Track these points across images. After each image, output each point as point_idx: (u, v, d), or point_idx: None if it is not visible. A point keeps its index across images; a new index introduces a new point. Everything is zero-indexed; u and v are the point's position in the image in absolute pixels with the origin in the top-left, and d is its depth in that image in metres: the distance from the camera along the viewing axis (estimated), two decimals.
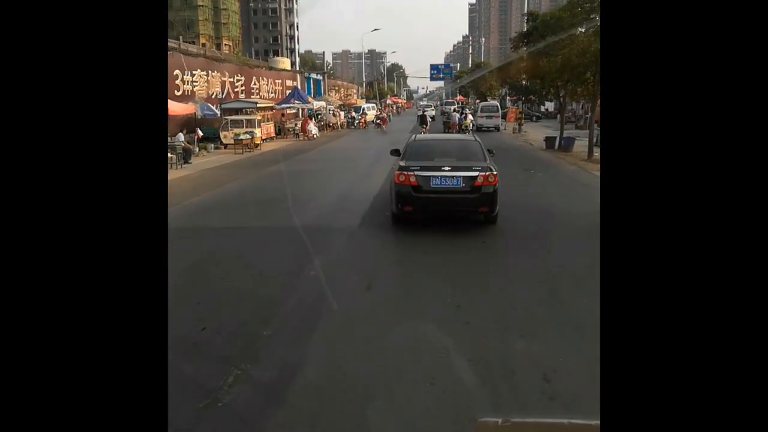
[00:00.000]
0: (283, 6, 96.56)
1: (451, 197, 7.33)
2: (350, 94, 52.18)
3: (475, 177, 7.22)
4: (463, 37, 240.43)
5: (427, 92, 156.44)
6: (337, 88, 48.92)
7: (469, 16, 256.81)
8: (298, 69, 47.32)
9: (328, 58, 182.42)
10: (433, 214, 7.72)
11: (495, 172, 7.36)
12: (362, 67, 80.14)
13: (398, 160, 7.99)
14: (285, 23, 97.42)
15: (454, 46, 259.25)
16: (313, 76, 46.97)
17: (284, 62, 52.08)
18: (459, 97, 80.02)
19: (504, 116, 32.07)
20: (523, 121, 30.75)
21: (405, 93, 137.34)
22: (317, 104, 32.30)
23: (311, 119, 27.91)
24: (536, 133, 29.47)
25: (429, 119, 29.41)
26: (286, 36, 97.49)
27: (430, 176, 7.25)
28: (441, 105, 72.94)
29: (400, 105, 78.59)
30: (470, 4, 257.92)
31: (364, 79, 79.29)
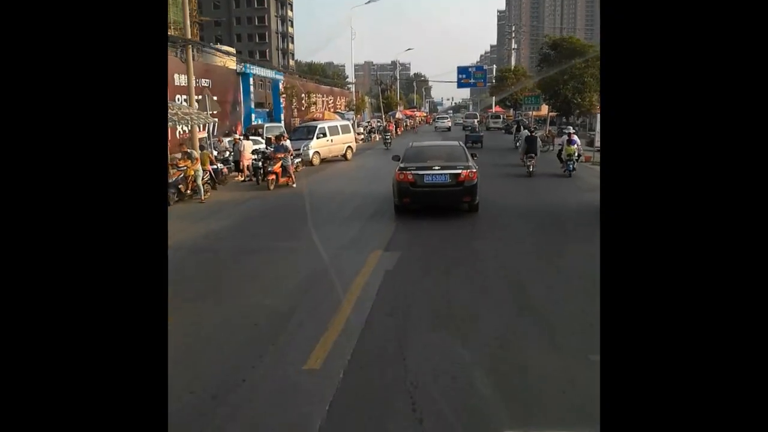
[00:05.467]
0: None
1: (441, 190, 9.63)
2: (314, 103, 31.67)
3: (459, 174, 9.54)
4: (491, 46, 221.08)
5: (453, 104, 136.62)
6: (296, 92, 28.56)
7: (498, 24, 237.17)
8: (235, 58, 27.36)
9: (349, 71, 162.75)
10: (426, 204, 9.96)
11: (475, 170, 9.75)
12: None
13: (399, 163, 10.17)
14: (275, 18, 78.66)
15: (481, 56, 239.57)
16: (257, 71, 27.17)
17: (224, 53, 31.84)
18: (496, 108, 58.87)
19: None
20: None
21: (428, 104, 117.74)
22: None
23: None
24: None
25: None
26: (276, 33, 78.68)
27: (423, 174, 9.55)
28: (463, 118, 53.03)
29: (416, 118, 58.56)
30: (499, 11, 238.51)
31: (352, 72, 58.34)
